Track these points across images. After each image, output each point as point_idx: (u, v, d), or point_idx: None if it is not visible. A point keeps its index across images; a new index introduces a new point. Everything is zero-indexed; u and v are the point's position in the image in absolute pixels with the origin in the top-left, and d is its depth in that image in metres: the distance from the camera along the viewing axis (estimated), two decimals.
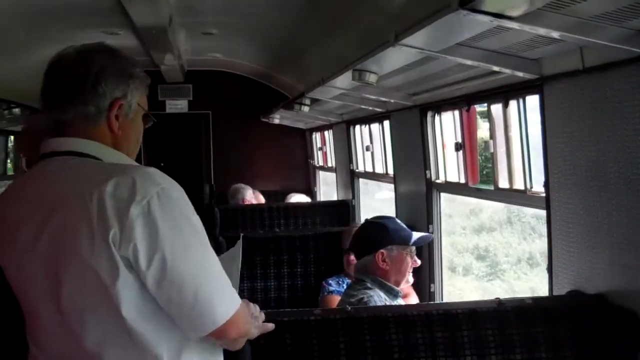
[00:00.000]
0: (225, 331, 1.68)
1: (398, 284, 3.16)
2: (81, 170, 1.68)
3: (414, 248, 3.23)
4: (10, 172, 7.22)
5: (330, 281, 4.06)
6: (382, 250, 3.14)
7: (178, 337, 1.69)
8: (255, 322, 1.92)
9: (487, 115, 3.42)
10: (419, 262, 3.24)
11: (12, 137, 7.00)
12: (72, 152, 1.71)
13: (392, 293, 3.12)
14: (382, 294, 3.08)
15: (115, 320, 1.61)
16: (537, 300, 2.60)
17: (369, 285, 3.11)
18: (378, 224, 3.28)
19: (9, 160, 7.14)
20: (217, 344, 1.77)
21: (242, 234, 2.10)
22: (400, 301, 3.21)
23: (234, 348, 1.82)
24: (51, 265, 1.62)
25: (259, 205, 6.59)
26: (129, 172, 1.62)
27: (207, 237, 1.70)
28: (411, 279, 3.25)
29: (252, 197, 6.85)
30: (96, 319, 1.62)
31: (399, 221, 3.34)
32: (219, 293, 1.66)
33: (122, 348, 1.64)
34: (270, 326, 1.95)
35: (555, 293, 2.75)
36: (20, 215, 1.67)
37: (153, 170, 1.65)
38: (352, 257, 3.51)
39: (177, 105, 8.33)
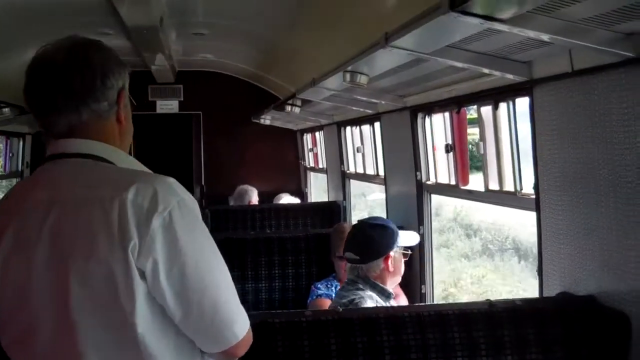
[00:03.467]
0: (238, 347, 1.68)
1: (393, 284, 3.18)
2: (97, 174, 1.65)
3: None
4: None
5: (319, 285, 4.06)
6: (391, 254, 3.16)
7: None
8: None
9: (477, 118, 3.43)
10: (409, 254, 3.27)
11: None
12: (84, 155, 1.66)
13: (385, 294, 3.12)
14: (374, 295, 3.08)
15: (123, 332, 1.56)
16: (527, 301, 2.61)
17: (360, 286, 3.11)
18: (386, 227, 3.25)
19: None
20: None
21: None
22: (393, 302, 3.21)
23: None
24: (60, 270, 1.56)
25: (249, 207, 6.59)
26: (150, 180, 1.60)
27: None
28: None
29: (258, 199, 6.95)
30: (102, 327, 1.56)
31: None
32: (236, 306, 1.66)
33: None
34: None
35: (545, 294, 2.77)
36: (26, 217, 1.61)
37: (172, 180, 1.64)
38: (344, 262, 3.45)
39: (168, 105, 8.30)
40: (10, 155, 7.39)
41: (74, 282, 1.54)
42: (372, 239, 3.20)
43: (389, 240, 3.19)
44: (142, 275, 1.54)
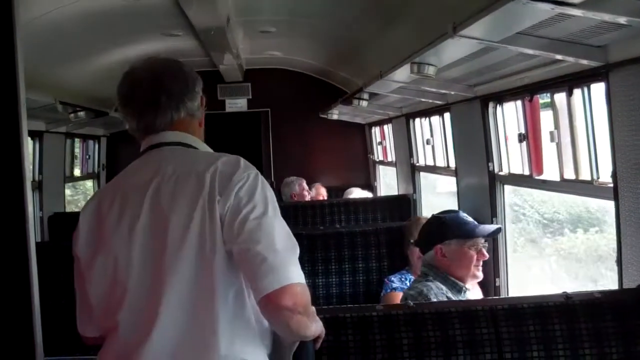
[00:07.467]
0: (282, 294, 1.76)
1: (462, 279, 3.13)
2: (192, 155, 2.01)
3: (481, 241, 3.20)
4: (77, 174, 7.40)
5: (392, 278, 4.04)
6: (439, 245, 3.16)
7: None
8: (317, 321, 1.93)
9: (551, 105, 3.34)
10: (487, 255, 3.20)
11: (77, 140, 7.17)
12: (178, 143, 2.02)
13: (456, 288, 3.09)
14: (443, 286, 3.06)
15: (205, 282, 1.81)
16: (606, 293, 2.53)
17: (431, 278, 3.10)
18: (438, 219, 3.31)
19: (76, 162, 7.32)
20: (266, 313, 1.83)
21: None
22: (469, 296, 3.16)
23: (278, 325, 1.84)
24: (158, 232, 1.84)
25: (319, 201, 6.61)
26: (234, 156, 1.95)
27: None
28: (480, 275, 3.20)
29: (304, 189, 6.98)
30: (187, 281, 1.81)
31: (463, 215, 3.33)
32: (290, 260, 1.81)
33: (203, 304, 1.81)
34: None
35: (625, 286, 2.67)
36: (129, 195, 1.91)
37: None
38: (418, 251, 3.54)
39: (237, 104, 8.39)
40: (87, 157, 7.60)
41: (170, 242, 1.82)
42: (426, 230, 3.35)
43: (439, 231, 3.22)
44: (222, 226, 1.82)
